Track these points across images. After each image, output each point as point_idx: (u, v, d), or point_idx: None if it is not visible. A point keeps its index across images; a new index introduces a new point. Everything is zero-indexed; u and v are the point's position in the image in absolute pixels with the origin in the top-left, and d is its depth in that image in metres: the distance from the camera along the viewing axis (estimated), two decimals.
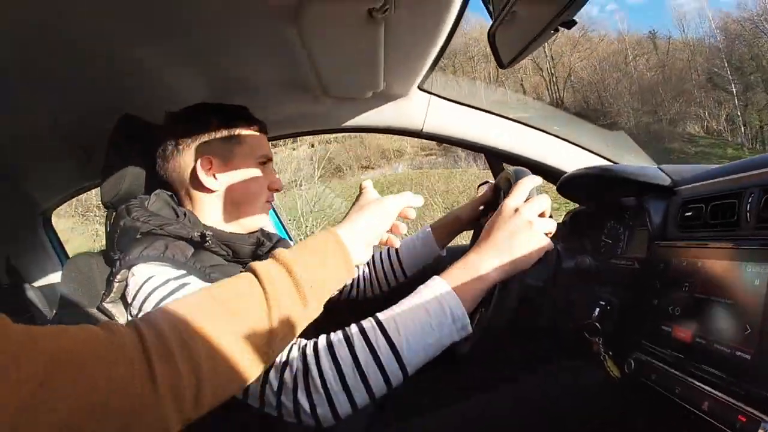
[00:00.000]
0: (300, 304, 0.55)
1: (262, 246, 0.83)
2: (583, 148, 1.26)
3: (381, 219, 0.66)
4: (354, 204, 0.71)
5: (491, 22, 0.71)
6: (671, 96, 23.15)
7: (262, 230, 0.91)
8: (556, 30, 0.60)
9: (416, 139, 1.34)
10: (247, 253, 0.81)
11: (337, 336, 0.61)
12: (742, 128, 21.08)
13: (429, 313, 0.61)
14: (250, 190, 0.85)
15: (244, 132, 0.86)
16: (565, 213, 1.21)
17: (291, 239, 1.45)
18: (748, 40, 21.33)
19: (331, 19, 0.76)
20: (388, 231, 0.69)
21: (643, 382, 0.68)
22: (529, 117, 1.27)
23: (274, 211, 1.81)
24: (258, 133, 0.88)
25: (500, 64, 0.75)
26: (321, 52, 0.90)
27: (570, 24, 0.58)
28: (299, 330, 0.56)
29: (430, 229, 1.09)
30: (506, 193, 0.74)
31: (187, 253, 0.73)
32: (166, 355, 0.43)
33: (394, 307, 0.63)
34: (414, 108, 1.26)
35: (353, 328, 0.61)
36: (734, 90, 21.40)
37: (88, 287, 0.77)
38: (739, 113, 21.16)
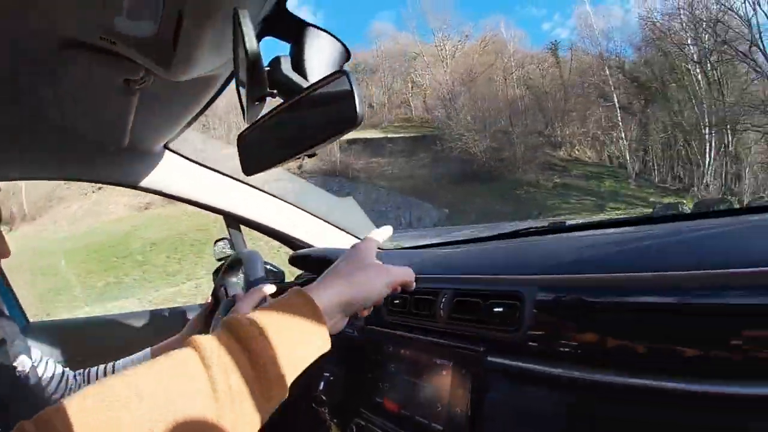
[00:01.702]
0: (261, 394, 0.41)
1: None
2: (320, 218, 1.42)
3: (368, 293, 0.57)
4: (343, 259, 0.59)
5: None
6: (558, 114, 21.93)
7: None
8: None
9: None
10: None
11: None
12: (627, 155, 19.97)
13: None
14: None
15: None
16: None
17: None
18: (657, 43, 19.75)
19: (86, 81, 0.75)
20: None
21: None
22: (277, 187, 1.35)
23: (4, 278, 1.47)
24: None
25: (244, 170, 0.74)
26: (70, 107, 0.88)
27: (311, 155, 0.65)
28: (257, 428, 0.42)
29: (149, 352, 1.00)
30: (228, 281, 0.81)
31: None
32: None
33: None
34: (158, 166, 1.24)
35: None
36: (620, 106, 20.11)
37: None
38: (628, 135, 19.79)
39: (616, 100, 20.79)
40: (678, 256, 0.64)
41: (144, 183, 1.26)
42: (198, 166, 1.29)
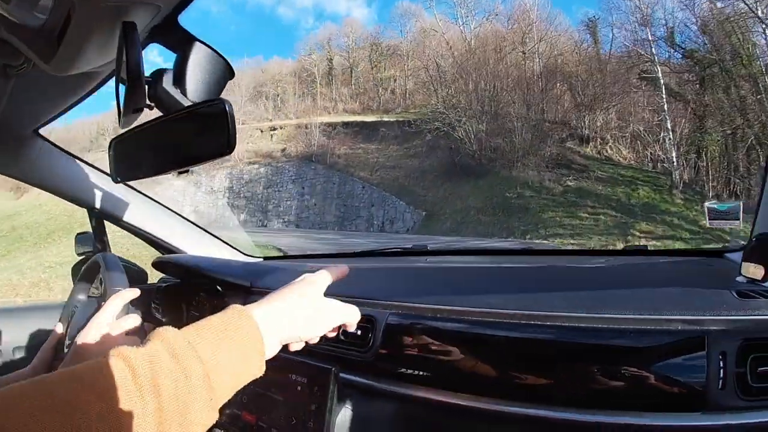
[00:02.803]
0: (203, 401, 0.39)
1: None
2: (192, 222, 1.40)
3: (316, 327, 0.54)
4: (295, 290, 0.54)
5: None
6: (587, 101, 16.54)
7: None
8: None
9: None
10: None
11: None
12: (673, 156, 13.56)
13: None
14: None
15: None
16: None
17: None
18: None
19: None
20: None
21: None
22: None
23: None
24: None
25: (114, 176, 0.73)
26: None
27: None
28: None
29: None
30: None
31: None
32: None
33: None
34: (25, 151, 1.13)
35: None
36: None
37: None
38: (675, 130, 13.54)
39: (660, 78, 14.78)
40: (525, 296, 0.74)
41: (8, 168, 1.15)
42: (68, 156, 1.21)
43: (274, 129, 24.99)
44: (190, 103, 0.64)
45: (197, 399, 0.39)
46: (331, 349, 0.80)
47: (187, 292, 1.13)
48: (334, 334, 0.59)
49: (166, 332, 0.41)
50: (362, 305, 0.81)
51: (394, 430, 0.78)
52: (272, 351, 0.49)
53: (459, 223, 16.23)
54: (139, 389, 0.36)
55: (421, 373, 0.73)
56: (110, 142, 0.71)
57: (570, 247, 10.01)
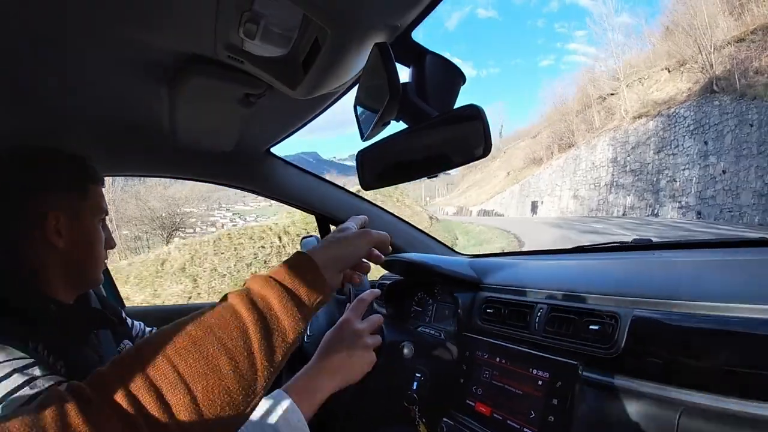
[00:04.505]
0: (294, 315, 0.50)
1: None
2: (408, 223, 1.50)
3: (353, 249, 0.64)
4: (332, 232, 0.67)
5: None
6: None
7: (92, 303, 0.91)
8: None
9: None
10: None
11: None
12: None
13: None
14: (94, 248, 0.83)
15: (92, 186, 0.83)
16: None
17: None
18: None
19: (207, 93, 0.80)
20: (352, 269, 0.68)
21: None
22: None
23: (107, 272, 1.59)
24: (100, 188, 0.86)
25: (362, 185, 0.80)
26: (186, 112, 0.91)
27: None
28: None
29: None
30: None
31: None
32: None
33: None
34: (259, 168, 1.31)
35: None
36: None
37: None
38: None
39: None
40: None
41: (247, 184, 1.35)
42: (295, 169, 1.38)
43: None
44: (435, 113, 0.67)
45: (292, 309, 0.50)
46: (575, 346, 0.78)
47: (409, 288, 1.21)
48: (369, 251, 0.67)
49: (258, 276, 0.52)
50: (602, 302, 0.79)
51: (637, 428, 0.73)
52: (333, 278, 0.60)
53: None
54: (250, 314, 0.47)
55: (668, 371, 0.68)
56: (357, 154, 0.77)
57: None
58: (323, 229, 1.47)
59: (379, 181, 0.77)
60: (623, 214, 13.68)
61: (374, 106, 0.68)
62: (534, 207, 23.07)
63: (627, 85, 17.40)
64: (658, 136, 15.18)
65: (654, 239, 1.11)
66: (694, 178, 13.40)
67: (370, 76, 0.69)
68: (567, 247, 1.27)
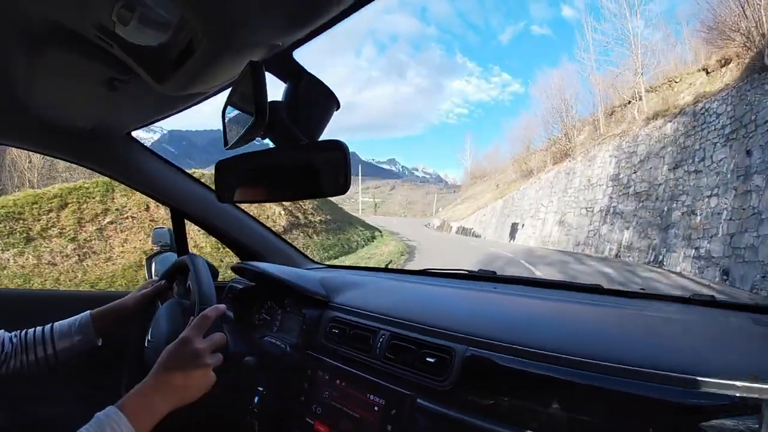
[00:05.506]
0: None
1: None
2: (269, 229, 1.48)
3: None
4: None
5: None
6: None
7: None
8: None
9: None
10: None
11: None
12: None
13: None
14: None
15: None
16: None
17: None
18: None
19: (70, 69, 0.78)
20: None
21: None
22: None
23: None
24: None
25: (219, 197, 0.78)
26: (45, 83, 0.87)
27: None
28: None
29: (89, 315, 1.03)
30: (179, 290, 0.92)
31: None
32: None
33: None
34: (119, 151, 1.24)
35: None
36: None
37: None
38: None
39: None
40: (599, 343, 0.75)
41: (102, 167, 1.24)
42: (157, 158, 1.29)
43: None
44: (303, 138, 0.66)
45: None
46: (412, 375, 0.83)
47: (260, 296, 1.19)
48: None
49: None
50: (440, 336, 0.85)
51: None
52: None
53: None
54: None
55: (496, 409, 0.75)
56: (216, 164, 0.75)
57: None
58: (177, 224, 1.40)
59: (240, 195, 0.75)
60: (616, 255, 11.28)
61: (241, 121, 0.66)
62: (513, 230, 19.36)
63: (651, 89, 14.04)
64: (676, 145, 10.70)
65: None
66: (725, 212, 8.29)
67: (240, 90, 0.67)
68: (415, 269, 1.36)
